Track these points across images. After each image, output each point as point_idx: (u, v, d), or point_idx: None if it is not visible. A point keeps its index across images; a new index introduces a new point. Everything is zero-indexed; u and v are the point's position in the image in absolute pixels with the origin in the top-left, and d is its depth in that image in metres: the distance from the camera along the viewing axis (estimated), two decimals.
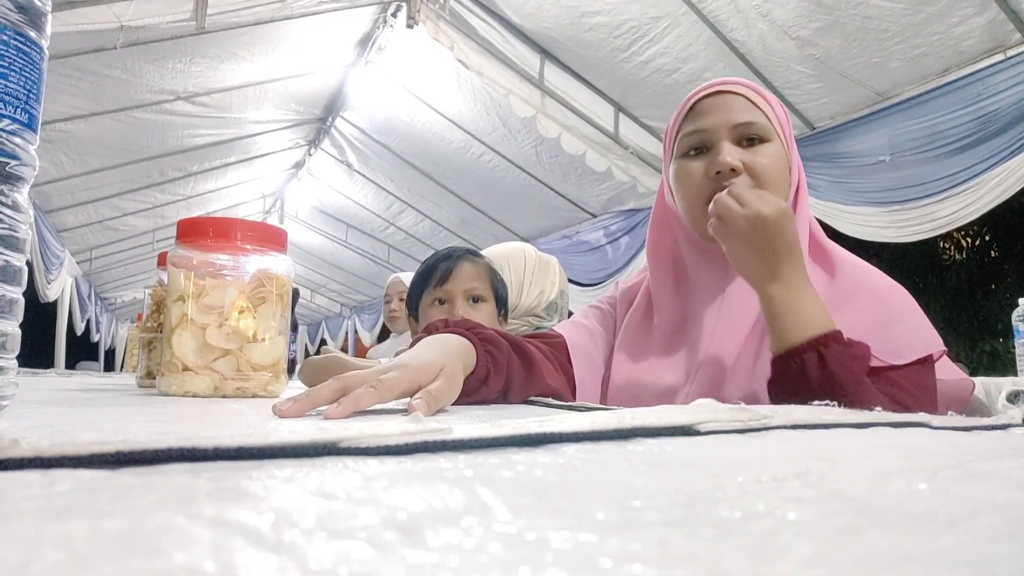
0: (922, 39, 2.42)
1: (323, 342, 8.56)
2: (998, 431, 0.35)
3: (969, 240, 8.18)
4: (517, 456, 0.25)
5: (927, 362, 0.73)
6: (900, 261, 7.20)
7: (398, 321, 2.38)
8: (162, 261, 0.92)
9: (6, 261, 0.37)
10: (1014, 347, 2.05)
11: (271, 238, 0.76)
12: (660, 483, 0.20)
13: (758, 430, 0.33)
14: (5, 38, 0.37)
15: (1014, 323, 2.01)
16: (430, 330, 0.71)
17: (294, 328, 2.09)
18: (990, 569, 0.12)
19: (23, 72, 0.37)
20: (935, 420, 0.37)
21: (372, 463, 0.23)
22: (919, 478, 0.21)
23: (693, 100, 0.82)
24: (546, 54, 3.32)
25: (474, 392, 0.66)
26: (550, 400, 0.72)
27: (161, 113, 3.93)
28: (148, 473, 0.20)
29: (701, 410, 0.35)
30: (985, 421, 0.38)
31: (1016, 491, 0.20)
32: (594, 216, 4.34)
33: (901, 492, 0.19)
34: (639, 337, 0.89)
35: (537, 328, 1.41)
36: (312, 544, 0.13)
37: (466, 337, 0.68)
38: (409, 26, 3.22)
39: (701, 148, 0.80)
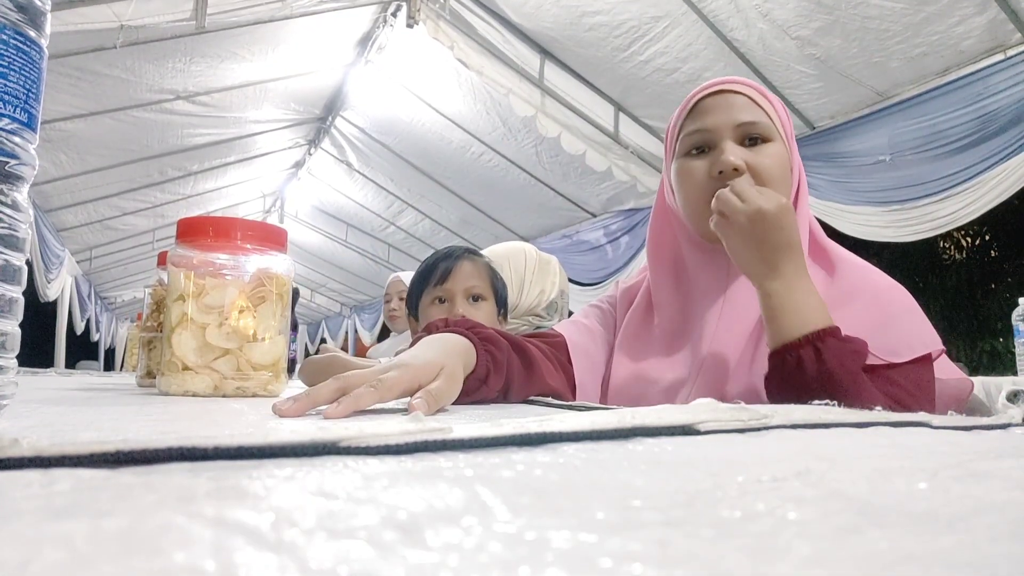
0: (922, 39, 2.42)
1: (323, 341, 8.56)
2: (998, 431, 0.35)
3: (969, 240, 8.18)
4: (517, 456, 0.25)
5: (926, 361, 0.73)
6: (900, 261, 7.19)
7: (398, 320, 2.38)
8: (162, 260, 0.92)
9: (6, 260, 0.37)
10: (1014, 347, 2.05)
11: (271, 237, 0.76)
12: (660, 483, 0.20)
13: (758, 430, 0.33)
14: (4, 37, 0.36)
15: (1014, 323, 2.01)
16: (430, 329, 0.71)
17: (294, 327, 2.09)
18: (990, 569, 0.12)
19: (22, 71, 0.37)
20: (935, 420, 0.37)
21: (372, 462, 0.23)
22: (919, 478, 0.21)
23: (695, 99, 0.82)
24: (546, 54, 3.32)
25: (474, 392, 0.66)
26: (550, 400, 0.72)
27: (161, 112, 3.93)
28: (148, 472, 0.20)
29: (701, 410, 0.35)
30: (985, 421, 0.38)
31: (1016, 491, 0.20)
32: (594, 216, 4.34)
33: (901, 492, 0.19)
34: (639, 337, 0.89)
35: (537, 327, 1.41)
36: (312, 544, 0.13)
37: (466, 336, 0.68)
38: (409, 25, 3.22)
39: (703, 147, 0.80)
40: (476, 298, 1.23)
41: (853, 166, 2.84)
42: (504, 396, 0.72)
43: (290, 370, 0.90)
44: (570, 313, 1.34)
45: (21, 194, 0.38)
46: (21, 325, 0.39)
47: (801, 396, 0.63)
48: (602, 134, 3.50)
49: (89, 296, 6.83)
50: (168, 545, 0.13)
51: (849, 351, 0.66)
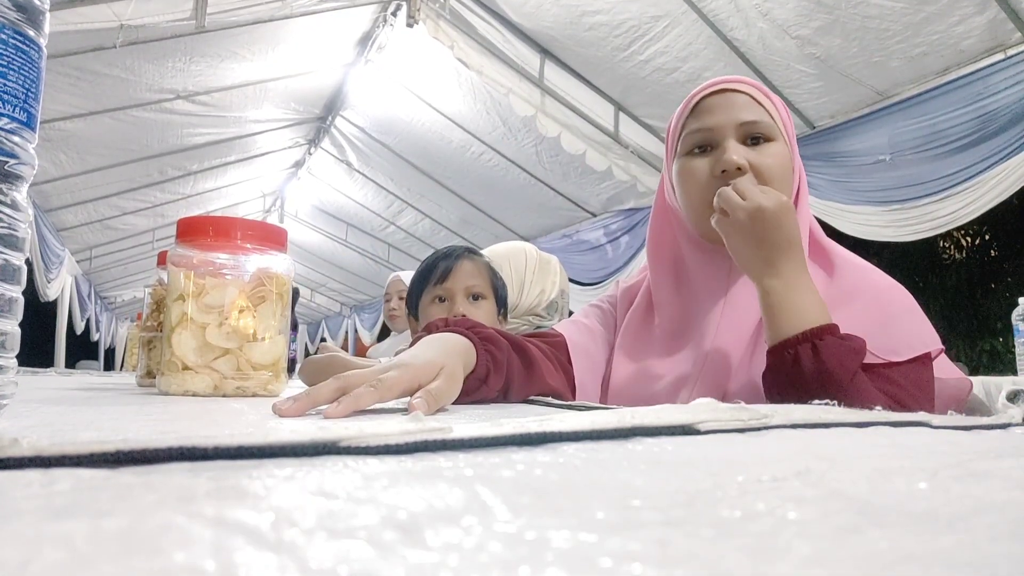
0: (922, 38, 2.42)
1: (323, 340, 8.55)
2: (998, 430, 0.35)
3: (969, 239, 8.18)
4: (517, 455, 0.25)
5: (925, 360, 0.73)
6: (900, 260, 7.19)
7: (398, 320, 2.38)
8: (162, 260, 0.92)
9: (5, 260, 0.37)
10: (1014, 346, 2.05)
11: (271, 237, 0.76)
12: (660, 483, 0.20)
13: (758, 429, 0.33)
14: (4, 37, 0.36)
15: (1014, 322, 2.01)
16: (430, 329, 0.71)
17: (294, 327, 2.09)
18: (990, 568, 0.12)
19: (21, 71, 0.37)
20: (935, 419, 0.37)
21: (372, 462, 0.23)
22: (919, 477, 0.21)
23: (697, 98, 0.82)
24: (546, 53, 3.32)
25: (474, 391, 0.66)
26: (550, 399, 0.72)
27: (161, 112, 3.93)
28: (148, 472, 0.20)
29: (701, 409, 0.35)
30: (985, 420, 0.38)
31: (1016, 490, 0.20)
32: (594, 215, 4.34)
33: (901, 491, 0.19)
34: (640, 337, 0.89)
35: (538, 327, 1.41)
36: (312, 543, 0.13)
37: (466, 336, 0.68)
38: (409, 25, 3.22)
39: (705, 146, 0.80)
40: (476, 297, 1.23)
41: (853, 166, 2.84)
42: (504, 396, 0.72)
43: (290, 370, 0.90)
44: (570, 313, 1.34)
45: (20, 193, 0.38)
46: (21, 325, 0.39)
47: (799, 393, 0.63)
48: (602, 134, 3.50)
49: (89, 296, 6.83)
50: (168, 545, 0.13)
51: (847, 349, 0.66)
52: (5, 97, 0.36)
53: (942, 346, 0.75)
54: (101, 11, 2.68)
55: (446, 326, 0.70)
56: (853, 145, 2.81)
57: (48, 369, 2.28)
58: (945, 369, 0.80)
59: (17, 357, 0.40)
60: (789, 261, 0.70)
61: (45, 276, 4.95)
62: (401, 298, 2.27)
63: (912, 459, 0.25)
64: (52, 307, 5.74)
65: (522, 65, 3.33)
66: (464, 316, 1.18)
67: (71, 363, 6.63)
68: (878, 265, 0.83)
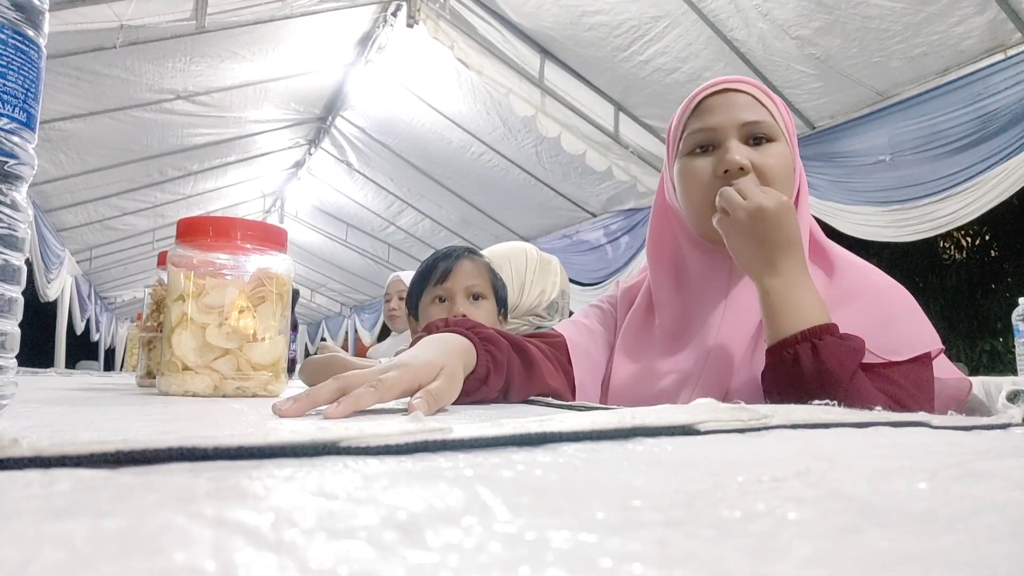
0: (922, 38, 2.42)
1: (323, 339, 8.55)
2: (998, 430, 0.35)
3: (969, 240, 8.18)
4: (517, 456, 0.25)
5: (925, 360, 0.73)
6: (900, 261, 7.19)
7: (398, 320, 2.38)
8: (162, 260, 0.92)
9: (5, 260, 0.37)
10: (1014, 346, 2.05)
11: (271, 237, 0.76)
12: (660, 483, 0.20)
13: (758, 430, 0.33)
14: (3, 37, 0.36)
15: (1014, 322, 2.01)
16: (430, 329, 0.71)
17: (294, 327, 2.09)
18: (990, 569, 0.12)
19: (21, 71, 0.37)
20: (935, 419, 0.37)
21: (372, 463, 0.23)
22: (919, 478, 0.21)
23: (699, 97, 0.82)
24: (546, 53, 3.32)
25: (474, 392, 0.66)
26: (550, 400, 0.72)
27: (161, 112, 3.93)
28: (148, 472, 0.20)
29: (701, 410, 0.35)
30: (985, 421, 0.38)
31: (1016, 491, 0.20)
32: (594, 216, 4.34)
33: (901, 492, 0.19)
34: (640, 337, 0.88)
35: (538, 328, 1.41)
36: (312, 544, 0.13)
37: (466, 336, 0.68)
38: (409, 25, 3.22)
39: (707, 146, 0.79)
40: (476, 297, 1.24)
41: (853, 166, 2.84)
42: (504, 396, 0.72)
43: (290, 370, 0.90)
44: (570, 313, 1.34)
45: (20, 194, 0.38)
46: (21, 325, 0.39)
47: (798, 393, 0.63)
48: (602, 134, 3.50)
49: (89, 296, 6.84)
50: (168, 545, 0.13)
51: (847, 349, 0.66)
52: (5, 97, 0.36)
53: (942, 346, 0.75)
54: (101, 11, 2.68)
55: (446, 326, 0.70)
56: (853, 145, 2.82)
57: (48, 369, 2.28)
58: (944, 369, 0.80)
59: (17, 357, 0.40)
60: (789, 261, 0.70)
61: (45, 276, 4.95)
62: (401, 298, 2.27)
63: (912, 459, 0.25)
64: (52, 307, 5.74)
65: (522, 65, 3.33)
66: (464, 316, 1.18)
67: (71, 363, 6.63)
68: (878, 265, 0.83)
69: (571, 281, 1.61)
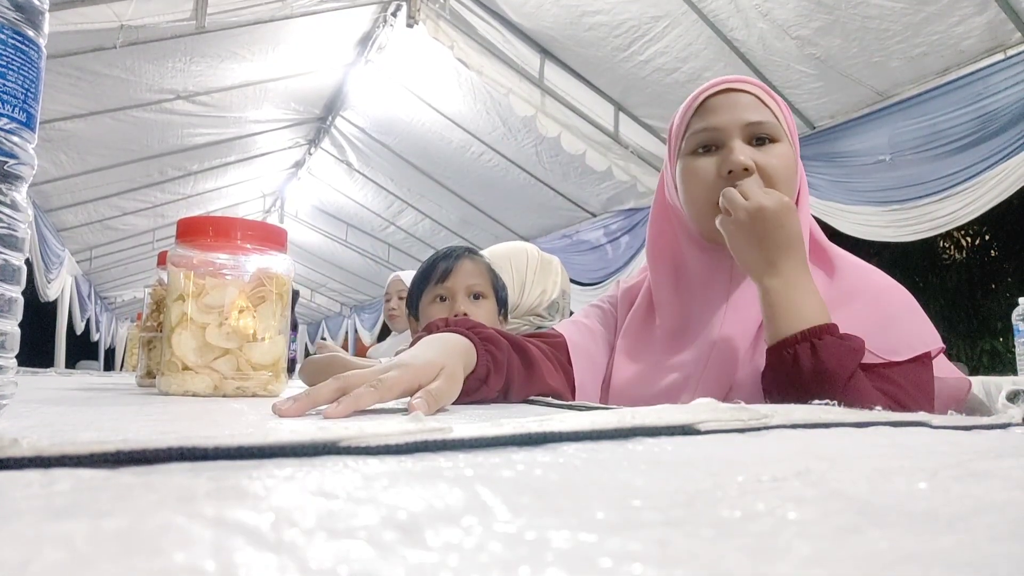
0: (922, 38, 2.42)
1: (322, 339, 8.55)
2: (998, 430, 0.35)
3: (969, 240, 8.18)
4: (517, 455, 0.25)
5: (925, 360, 0.73)
6: (900, 261, 7.19)
7: (398, 320, 2.38)
8: (162, 260, 0.92)
9: (5, 260, 0.37)
10: (1014, 346, 2.05)
11: (271, 237, 0.76)
12: (660, 483, 0.20)
13: (758, 430, 0.33)
14: (3, 37, 0.36)
15: (1014, 322, 2.01)
16: (430, 329, 0.70)
17: (294, 327, 2.09)
18: (990, 568, 0.12)
19: (21, 71, 0.37)
20: (935, 419, 0.37)
21: (372, 462, 0.23)
22: (919, 477, 0.21)
23: (702, 97, 0.81)
24: (546, 53, 3.32)
25: (474, 391, 0.66)
26: (550, 399, 0.72)
27: (161, 112, 3.93)
28: (148, 472, 0.20)
29: (701, 410, 0.35)
30: (985, 420, 0.38)
31: (1016, 490, 0.20)
32: (594, 215, 4.34)
33: (901, 491, 0.19)
34: (640, 338, 0.88)
35: (538, 328, 1.41)
36: (312, 544, 0.13)
37: (466, 336, 0.68)
38: (409, 25, 3.22)
39: (710, 146, 0.79)
40: (477, 296, 1.24)
41: (853, 166, 2.84)
42: (504, 396, 0.71)
43: (290, 370, 0.90)
44: (571, 313, 1.34)
45: (20, 194, 0.38)
46: (21, 325, 0.39)
47: (798, 393, 0.63)
48: (602, 134, 3.50)
49: (89, 296, 6.84)
50: (168, 545, 0.13)
51: (846, 349, 0.66)
52: (5, 97, 0.36)
53: (942, 345, 0.75)
54: (101, 11, 2.68)
55: (446, 326, 0.70)
56: (853, 145, 2.82)
57: (48, 369, 2.28)
58: (944, 369, 0.80)
59: (17, 357, 0.40)
60: (789, 261, 0.70)
61: (45, 276, 4.95)
62: (401, 298, 2.27)
63: (912, 459, 0.25)
64: (52, 307, 5.74)
65: (522, 65, 3.33)
66: (465, 315, 1.18)
67: (71, 363, 6.63)
68: (878, 265, 0.83)
69: (571, 281, 1.61)
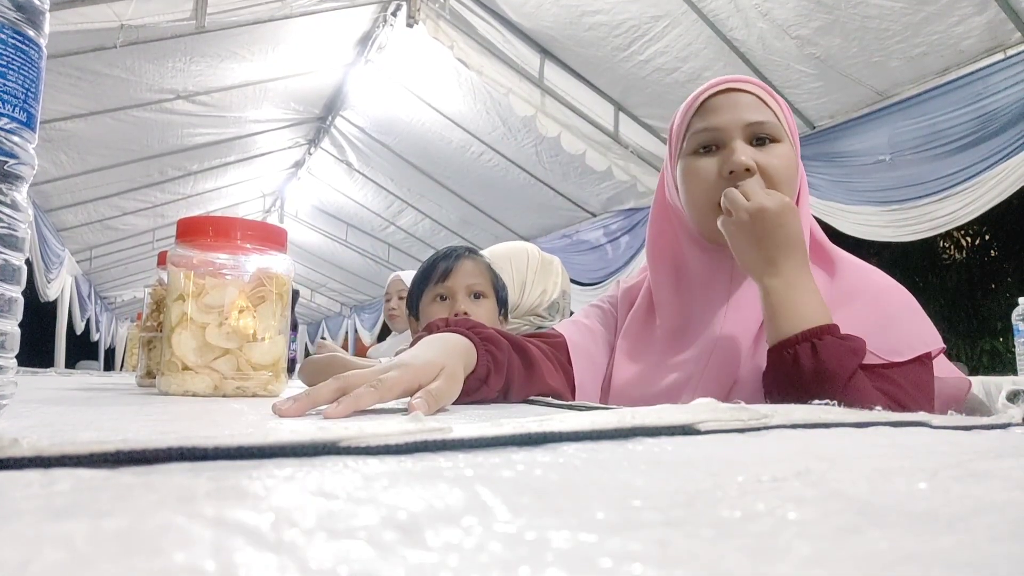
0: (922, 38, 2.42)
1: (322, 338, 8.54)
2: (998, 430, 0.35)
3: (969, 240, 8.18)
4: (517, 455, 0.25)
5: (925, 360, 0.73)
6: (900, 261, 7.19)
7: (398, 320, 2.39)
8: (162, 260, 0.92)
9: (5, 260, 0.37)
10: (1014, 346, 2.05)
11: (271, 237, 0.76)
12: (660, 483, 0.20)
13: (758, 430, 0.33)
14: (3, 36, 0.36)
15: (1014, 322, 2.01)
16: (431, 329, 0.70)
17: (294, 327, 2.09)
18: (990, 569, 0.12)
19: (21, 71, 0.37)
20: (935, 419, 0.37)
21: (372, 462, 0.23)
22: (919, 477, 0.21)
23: (703, 96, 0.81)
24: (546, 53, 3.32)
25: (474, 391, 0.66)
26: (550, 399, 0.72)
27: (161, 112, 3.93)
28: (148, 472, 0.20)
29: (701, 410, 0.35)
30: (985, 420, 0.38)
31: (1016, 491, 0.20)
32: (594, 215, 4.34)
33: (901, 492, 0.19)
34: (641, 338, 0.88)
35: (539, 328, 1.41)
36: (312, 544, 0.13)
37: (467, 336, 0.68)
38: (409, 25, 3.22)
39: (711, 146, 0.79)
40: (477, 295, 1.24)
41: (853, 166, 2.84)
42: (504, 396, 0.71)
43: (290, 370, 0.90)
44: (571, 313, 1.34)
45: (20, 193, 0.38)
46: (21, 325, 0.39)
47: (798, 393, 0.63)
48: (602, 134, 3.50)
49: (89, 296, 6.83)
50: (168, 545, 0.13)
51: (847, 349, 0.66)
52: (5, 97, 0.36)
53: (943, 345, 0.75)
54: (101, 11, 2.68)
55: (447, 326, 0.70)
56: (853, 145, 2.82)
57: (48, 369, 2.28)
58: (944, 369, 0.80)
59: (17, 357, 0.40)
60: (790, 261, 0.70)
61: (45, 276, 4.95)
62: (401, 298, 2.27)
63: (912, 459, 0.25)
64: (52, 307, 5.74)
65: (522, 65, 3.33)
66: (466, 314, 1.18)
67: (71, 363, 6.63)
68: (878, 265, 0.83)
69: (571, 281, 1.61)
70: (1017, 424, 0.37)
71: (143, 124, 4.00)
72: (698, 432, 0.32)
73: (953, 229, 2.91)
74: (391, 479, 0.20)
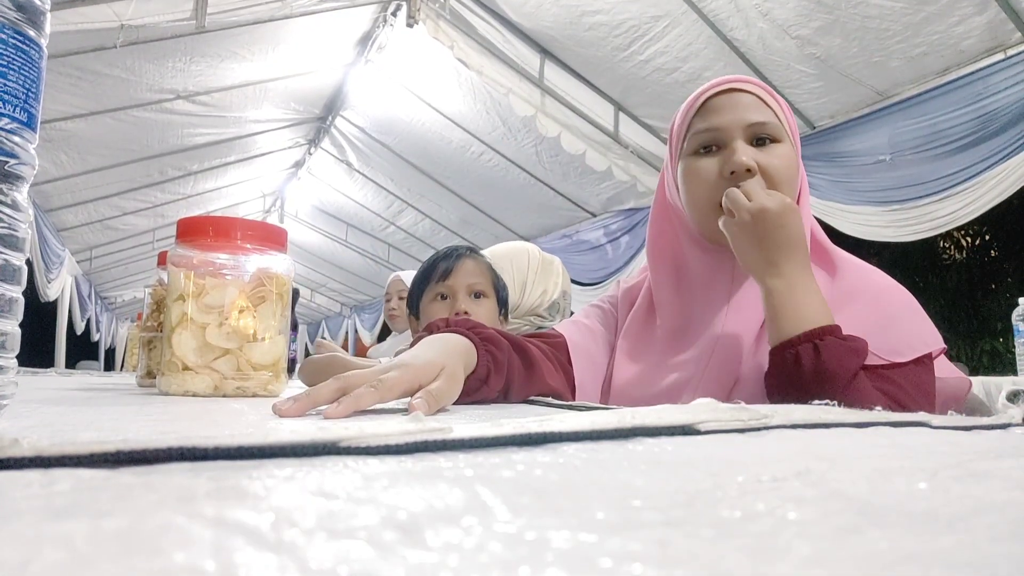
0: (922, 38, 2.42)
1: (322, 338, 8.54)
2: (998, 430, 0.35)
3: (969, 240, 8.17)
4: (517, 456, 0.25)
5: (926, 361, 0.73)
6: (900, 261, 7.19)
7: (398, 320, 2.39)
8: (162, 260, 0.92)
9: (5, 260, 0.37)
10: (1014, 346, 2.05)
11: (271, 237, 0.76)
12: (660, 483, 0.20)
13: (758, 430, 0.33)
14: (4, 36, 0.36)
15: (1014, 323, 2.01)
16: (431, 329, 0.70)
17: (294, 327, 2.10)
18: (990, 569, 0.12)
19: (22, 71, 0.37)
20: (935, 419, 0.37)
21: (372, 463, 0.23)
22: (919, 478, 0.21)
23: (704, 97, 0.81)
24: (546, 53, 3.32)
25: (474, 392, 0.66)
26: (550, 400, 0.72)
27: (161, 112, 3.93)
28: (148, 472, 0.20)
29: (701, 410, 0.35)
30: (985, 421, 0.38)
31: (1016, 491, 0.20)
32: (594, 215, 4.34)
33: (901, 492, 0.19)
34: (641, 338, 0.88)
35: (539, 328, 1.41)
36: (312, 544, 0.13)
37: (467, 336, 0.68)
38: (409, 25, 3.22)
39: (712, 146, 0.79)
40: (478, 295, 1.24)
41: (853, 166, 2.84)
42: (504, 396, 0.71)
43: (290, 370, 0.90)
44: (571, 314, 1.34)
45: (21, 194, 0.38)
46: (21, 325, 0.39)
47: (799, 394, 0.63)
48: (602, 134, 3.50)
49: (89, 296, 6.83)
50: (168, 545, 0.13)
51: (848, 350, 0.66)
52: (5, 97, 0.36)
53: (943, 345, 0.75)
54: (101, 11, 2.68)
55: (447, 326, 0.70)
56: (853, 145, 2.82)
57: (48, 369, 2.28)
58: (944, 369, 0.80)
59: (17, 357, 0.40)
60: (791, 261, 0.70)
61: (45, 276, 4.95)
62: (401, 298, 2.27)
63: (912, 459, 0.25)
64: (52, 307, 5.74)
65: (522, 65, 3.33)
66: (466, 313, 1.18)
67: (71, 363, 6.63)
68: (878, 265, 0.83)
69: (571, 281, 1.61)
70: (1017, 424, 0.37)
71: (143, 124, 4.00)
72: (698, 432, 0.32)
73: (953, 229, 2.91)
74: (391, 479, 0.20)
